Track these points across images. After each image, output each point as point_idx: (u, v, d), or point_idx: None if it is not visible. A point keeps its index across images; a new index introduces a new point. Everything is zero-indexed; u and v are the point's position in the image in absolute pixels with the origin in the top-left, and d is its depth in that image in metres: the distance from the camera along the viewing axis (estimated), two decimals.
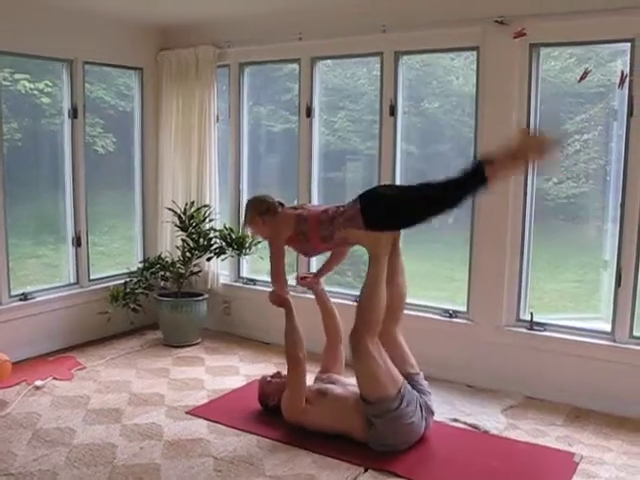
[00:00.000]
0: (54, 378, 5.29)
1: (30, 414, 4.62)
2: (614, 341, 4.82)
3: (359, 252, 6.42)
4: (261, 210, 4.49)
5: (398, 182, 5.54)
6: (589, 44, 4.96)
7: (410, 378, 4.22)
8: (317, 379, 4.67)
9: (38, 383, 5.12)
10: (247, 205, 4.69)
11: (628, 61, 4.62)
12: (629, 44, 4.59)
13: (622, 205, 4.72)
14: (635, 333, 4.78)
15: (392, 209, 4.00)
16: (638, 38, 4.52)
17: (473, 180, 3.82)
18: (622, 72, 4.64)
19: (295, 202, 6.19)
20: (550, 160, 4.00)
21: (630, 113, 4.62)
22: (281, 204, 4.55)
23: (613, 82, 4.83)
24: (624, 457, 4.12)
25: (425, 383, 4.38)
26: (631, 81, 4.58)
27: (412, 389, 4.15)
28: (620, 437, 4.40)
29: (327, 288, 6.13)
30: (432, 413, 4.32)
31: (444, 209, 4.05)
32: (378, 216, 4.01)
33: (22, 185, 6.02)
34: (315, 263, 6.09)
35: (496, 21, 4.89)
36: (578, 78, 4.79)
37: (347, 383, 4.50)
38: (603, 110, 5.26)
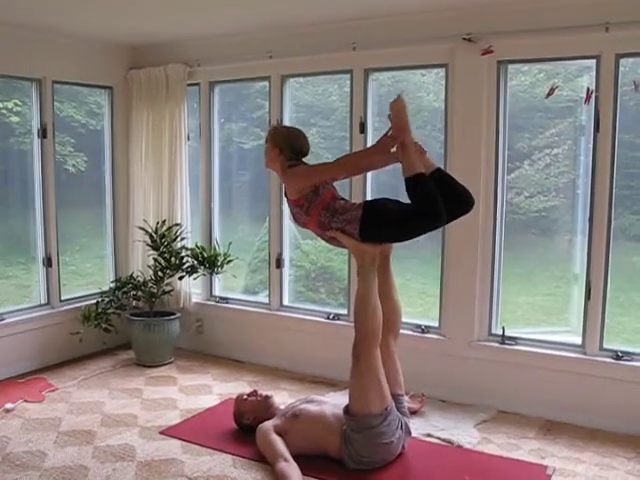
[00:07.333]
0: (25, 400, 5.22)
1: None
2: (585, 354, 4.87)
3: (332, 269, 6.47)
4: (283, 150, 4.25)
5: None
6: (555, 60, 5.03)
7: (396, 399, 4.23)
8: (290, 404, 4.65)
9: (8, 406, 5.05)
10: (283, 129, 4.58)
11: (594, 77, 4.69)
12: (594, 61, 4.67)
13: (590, 219, 4.78)
14: (605, 345, 4.82)
15: (390, 224, 3.93)
16: (603, 55, 4.59)
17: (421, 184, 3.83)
18: (588, 88, 4.70)
19: (267, 219, 6.20)
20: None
21: (597, 128, 4.68)
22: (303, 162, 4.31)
23: (581, 97, 4.88)
24: (595, 468, 4.15)
25: (407, 405, 4.42)
26: (597, 97, 4.65)
27: (396, 410, 4.16)
28: (592, 449, 4.44)
29: (300, 305, 6.20)
30: (410, 434, 4.33)
31: (427, 222, 3.93)
32: (375, 228, 3.95)
33: None
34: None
35: (464, 39, 4.94)
36: (545, 94, 4.85)
37: (324, 401, 4.50)
38: (572, 124, 5.33)
